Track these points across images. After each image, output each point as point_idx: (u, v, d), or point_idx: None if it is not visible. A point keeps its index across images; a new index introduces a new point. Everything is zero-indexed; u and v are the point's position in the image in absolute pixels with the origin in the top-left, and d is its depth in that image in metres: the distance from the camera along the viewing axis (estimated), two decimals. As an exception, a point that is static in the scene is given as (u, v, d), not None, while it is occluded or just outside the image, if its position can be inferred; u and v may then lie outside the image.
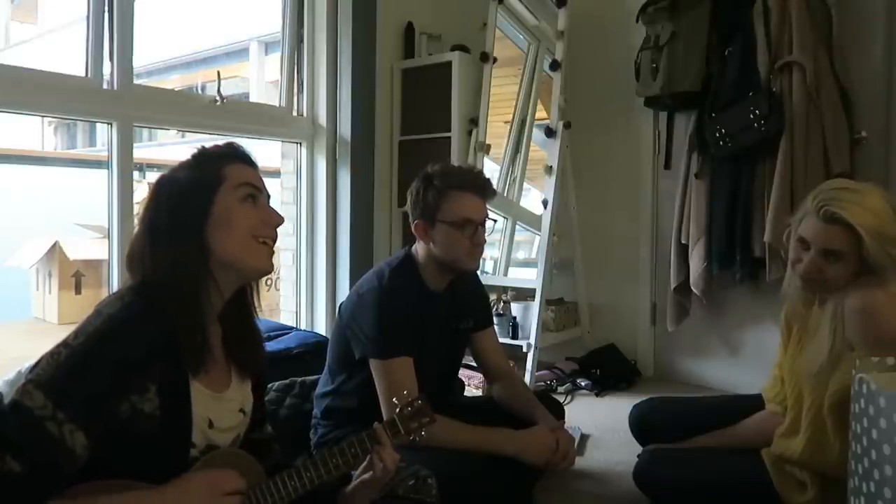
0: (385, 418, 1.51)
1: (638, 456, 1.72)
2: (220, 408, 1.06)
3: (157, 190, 1.06)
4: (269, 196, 1.12)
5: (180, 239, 1.01)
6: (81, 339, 0.91)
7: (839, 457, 1.33)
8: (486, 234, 1.69)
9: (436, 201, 1.63)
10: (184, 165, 1.08)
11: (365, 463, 1.15)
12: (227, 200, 1.04)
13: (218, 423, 1.05)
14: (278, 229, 1.11)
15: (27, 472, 0.82)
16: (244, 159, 1.10)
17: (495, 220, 1.78)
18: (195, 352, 1.00)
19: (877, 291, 1.34)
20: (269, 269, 1.09)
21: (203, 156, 1.09)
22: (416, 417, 1.18)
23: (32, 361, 0.93)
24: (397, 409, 1.18)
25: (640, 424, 1.87)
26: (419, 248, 1.71)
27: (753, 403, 1.69)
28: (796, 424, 1.48)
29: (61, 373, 0.88)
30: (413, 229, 1.69)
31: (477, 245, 1.66)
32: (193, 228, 1.02)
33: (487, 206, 1.71)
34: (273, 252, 1.10)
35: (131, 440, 0.94)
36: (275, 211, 1.10)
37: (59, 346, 0.92)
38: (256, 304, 1.17)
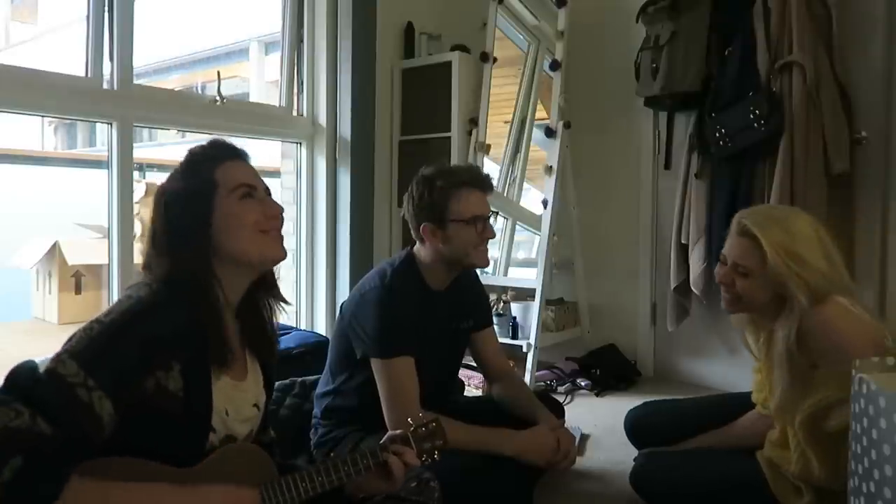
0: (388, 422, 1.52)
1: (634, 459, 1.72)
2: (237, 397, 1.09)
3: (157, 202, 1.08)
4: (266, 188, 1.13)
5: (180, 249, 1.04)
6: (114, 316, 0.96)
7: (827, 473, 1.36)
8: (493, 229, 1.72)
9: (443, 201, 1.63)
10: (177, 175, 1.10)
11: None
12: (226, 204, 1.06)
13: (234, 413, 1.08)
14: (283, 216, 1.13)
15: (56, 434, 0.86)
16: (233, 155, 1.11)
17: (496, 213, 1.81)
18: (217, 351, 1.04)
19: (825, 307, 1.36)
20: (282, 256, 1.12)
21: (193, 162, 1.10)
22: (429, 439, 1.19)
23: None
24: (412, 429, 1.18)
25: (636, 428, 1.88)
26: (423, 249, 1.70)
27: (746, 400, 1.71)
28: (785, 439, 1.49)
29: (94, 344, 0.93)
30: (419, 232, 1.67)
31: (487, 239, 1.68)
32: (195, 238, 1.05)
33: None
34: (282, 238, 1.13)
35: (155, 419, 0.97)
36: (273, 201, 1.12)
37: (91, 322, 0.96)
38: (275, 302, 1.20)
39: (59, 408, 0.87)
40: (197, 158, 1.10)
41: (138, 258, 2.39)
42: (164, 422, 0.98)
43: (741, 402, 1.72)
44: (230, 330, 1.09)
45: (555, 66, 2.99)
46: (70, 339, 0.95)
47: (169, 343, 0.97)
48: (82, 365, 0.90)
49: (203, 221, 1.05)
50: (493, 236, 1.70)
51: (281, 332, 2.48)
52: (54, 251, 4.40)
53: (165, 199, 1.07)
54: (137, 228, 2.45)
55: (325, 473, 1.09)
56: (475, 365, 1.99)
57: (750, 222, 1.44)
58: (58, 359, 0.91)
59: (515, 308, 3.00)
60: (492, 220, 1.72)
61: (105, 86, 2.30)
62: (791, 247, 1.38)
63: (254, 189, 1.09)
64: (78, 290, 4.43)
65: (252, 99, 5.86)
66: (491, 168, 3.36)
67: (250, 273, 1.12)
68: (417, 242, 1.72)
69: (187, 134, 3.33)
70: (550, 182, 2.94)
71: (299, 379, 2.06)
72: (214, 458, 1.04)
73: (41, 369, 0.91)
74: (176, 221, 1.05)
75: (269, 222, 1.09)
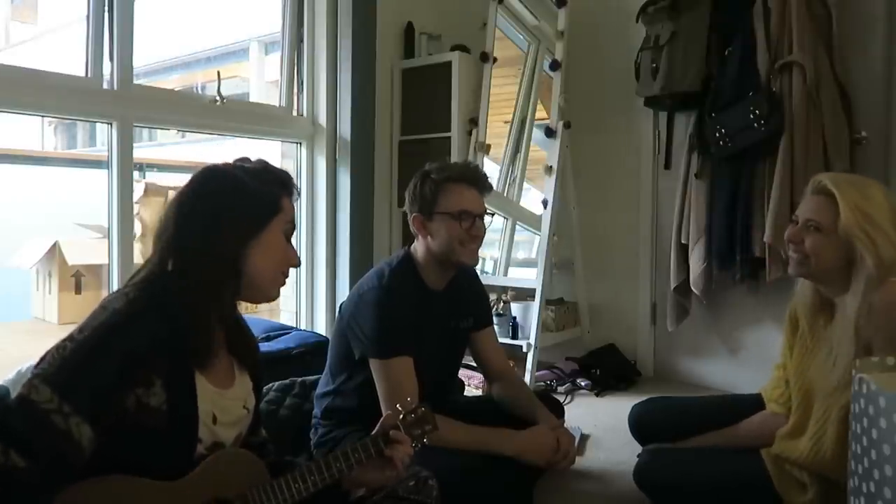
0: None
1: (638, 456, 1.72)
2: (224, 403, 1.07)
3: (208, 180, 1.07)
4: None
5: (220, 239, 1.02)
6: (87, 334, 0.92)
7: (842, 461, 1.33)
8: (484, 229, 1.70)
9: (433, 194, 1.65)
10: (249, 172, 1.08)
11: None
12: (276, 230, 1.08)
13: (222, 417, 1.06)
14: None
15: (33, 467, 0.82)
16: (294, 194, 1.14)
17: (493, 214, 1.80)
18: (201, 348, 1.02)
19: (893, 288, 1.32)
20: (276, 298, 1.15)
21: (269, 174, 1.11)
22: (419, 424, 1.19)
23: (31, 362, 0.93)
24: (401, 416, 1.18)
25: (639, 424, 1.87)
26: (418, 247, 1.71)
27: (752, 403, 1.69)
28: (801, 427, 1.48)
29: (67, 366, 0.89)
30: (411, 222, 1.69)
31: (475, 238, 1.66)
32: (239, 237, 1.04)
33: (485, 203, 1.72)
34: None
35: (139, 435, 0.94)
36: (297, 253, 1.15)
37: (64, 340, 0.92)
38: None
39: (34, 438, 0.83)
40: (273, 176, 1.11)
41: (138, 258, 2.39)
42: (147, 437, 0.94)
43: (746, 404, 1.71)
44: (217, 333, 1.08)
45: (555, 66, 2.99)
46: (42, 360, 0.90)
47: (148, 356, 0.93)
48: (56, 389, 0.86)
49: (254, 230, 1.05)
50: (481, 235, 1.68)
51: (281, 332, 2.49)
52: (54, 251, 4.40)
53: (226, 185, 1.05)
54: (137, 228, 2.45)
55: (318, 471, 1.08)
56: (475, 365, 1.99)
57: (827, 181, 1.42)
58: (30, 384, 0.87)
59: (515, 308, 3.00)
60: (487, 220, 1.71)
61: (105, 86, 2.30)
62: (865, 208, 1.36)
63: (292, 232, 1.13)
64: (78, 290, 4.43)
65: (252, 99, 5.85)
66: (491, 168, 3.36)
67: (247, 295, 1.12)
68: (415, 239, 1.72)
69: (187, 134, 3.33)
70: (550, 182, 2.94)
71: (299, 379, 2.06)
72: (202, 467, 1.01)
73: (13, 395, 0.87)
74: (231, 213, 1.03)
75: (288, 268, 1.12)
